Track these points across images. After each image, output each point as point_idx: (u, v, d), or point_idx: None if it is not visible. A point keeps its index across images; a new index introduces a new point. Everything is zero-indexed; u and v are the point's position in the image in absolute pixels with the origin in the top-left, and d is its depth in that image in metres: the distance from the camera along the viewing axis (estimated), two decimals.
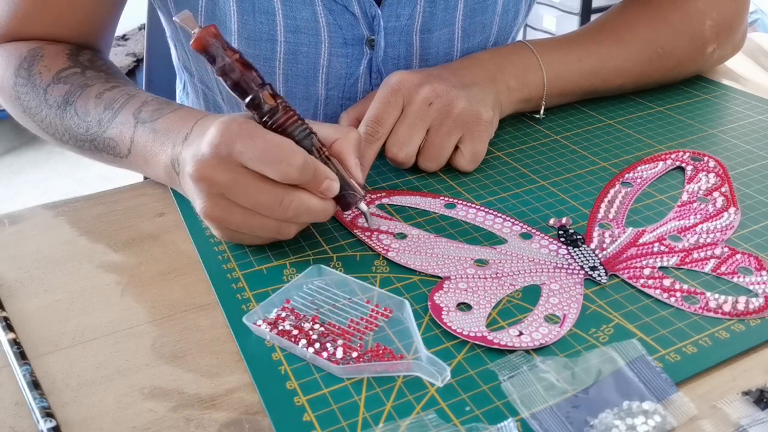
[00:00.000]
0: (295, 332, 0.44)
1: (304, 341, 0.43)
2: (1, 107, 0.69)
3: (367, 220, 0.53)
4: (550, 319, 0.46)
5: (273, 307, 0.47)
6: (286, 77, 0.70)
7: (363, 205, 0.52)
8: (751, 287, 0.48)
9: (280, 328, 0.45)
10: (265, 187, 0.48)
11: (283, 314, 0.46)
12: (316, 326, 0.45)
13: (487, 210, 0.57)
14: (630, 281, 0.49)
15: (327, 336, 0.44)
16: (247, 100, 0.49)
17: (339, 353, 0.43)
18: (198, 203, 0.49)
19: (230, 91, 0.50)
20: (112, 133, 0.58)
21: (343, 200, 0.52)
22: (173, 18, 0.50)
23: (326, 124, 0.53)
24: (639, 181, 0.61)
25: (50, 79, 0.63)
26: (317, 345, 0.43)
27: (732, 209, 0.56)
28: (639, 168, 0.63)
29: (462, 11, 0.71)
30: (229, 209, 0.49)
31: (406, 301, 0.46)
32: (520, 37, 0.76)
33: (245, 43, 0.67)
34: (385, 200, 0.59)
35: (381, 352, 0.43)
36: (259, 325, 0.45)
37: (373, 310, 0.47)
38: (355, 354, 0.43)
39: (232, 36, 0.67)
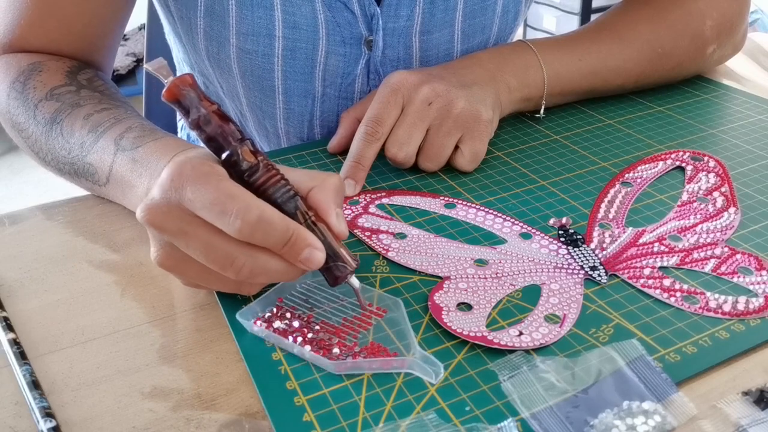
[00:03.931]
0: (291, 330, 0.44)
1: (300, 339, 0.43)
2: None
3: (359, 299, 0.46)
4: (550, 319, 0.46)
5: (267, 305, 0.47)
6: (285, 74, 0.70)
7: (354, 280, 0.45)
8: (751, 287, 0.48)
9: (276, 326, 0.45)
10: (215, 243, 0.42)
11: (278, 312, 0.46)
12: (311, 324, 0.45)
13: (487, 210, 0.57)
14: (630, 281, 0.49)
15: (322, 334, 0.44)
16: (224, 156, 0.44)
17: (335, 351, 0.43)
18: (151, 250, 0.45)
19: (205, 146, 0.45)
20: (91, 159, 0.56)
21: (330, 273, 0.45)
22: (144, 66, 0.47)
23: (302, 170, 0.47)
24: (639, 181, 0.61)
25: (43, 95, 0.61)
26: (313, 343, 0.43)
27: (732, 209, 0.56)
28: (639, 168, 0.63)
29: (462, 12, 0.71)
30: (181, 260, 0.44)
31: (400, 300, 0.46)
32: (519, 37, 0.76)
33: (243, 39, 0.67)
34: (385, 200, 0.59)
35: (375, 350, 0.43)
36: (255, 323, 0.45)
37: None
38: (350, 352, 0.43)
39: (231, 31, 0.67)
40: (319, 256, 0.43)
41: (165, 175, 0.43)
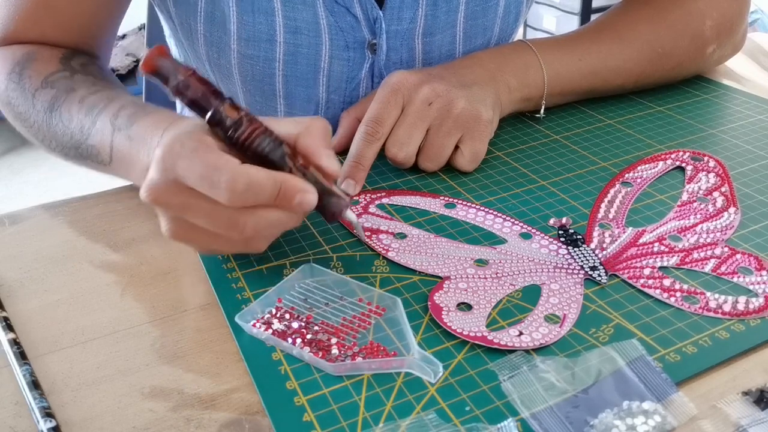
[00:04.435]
0: (290, 332, 0.44)
1: (299, 341, 0.43)
2: None
3: (356, 230, 0.51)
4: (550, 319, 0.46)
5: (266, 306, 0.47)
6: (286, 79, 0.70)
7: (350, 214, 0.48)
8: (751, 287, 0.48)
9: (275, 327, 0.45)
10: (216, 211, 0.44)
11: (277, 314, 0.46)
12: (310, 325, 0.45)
13: (487, 210, 0.57)
14: (630, 281, 0.49)
15: (321, 335, 0.44)
16: (208, 116, 0.46)
17: (333, 352, 0.43)
18: (161, 225, 0.47)
19: (189, 109, 0.47)
20: (93, 141, 0.57)
21: (326, 210, 0.47)
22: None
23: (286, 119, 0.49)
24: (639, 181, 0.61)
25: (39, 84, 0.62)
26: (312, 344, 0.43)
27: (732, 209, 0.56)
28: (639, 168, 0.63)
29: (463, 14, 0.71)
30: (190, 230, 0.46)
31: (398, 299, 0.46)
32: (519, 37, 0.76)
33: (244, 44, 0.67)
34: (385, 200, 0.59)
35: (374, 349, 0.43)
36: (254, 326, 0.45)
37: (365, 308, 0.47)
38: (349, 352, 0.43)
39: (231, 36, 0.67)
40: (311, 197, 0.44)
41: (158, 154, 0.44)
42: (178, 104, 0.94)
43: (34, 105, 0.61)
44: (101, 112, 0.57)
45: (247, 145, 0.45)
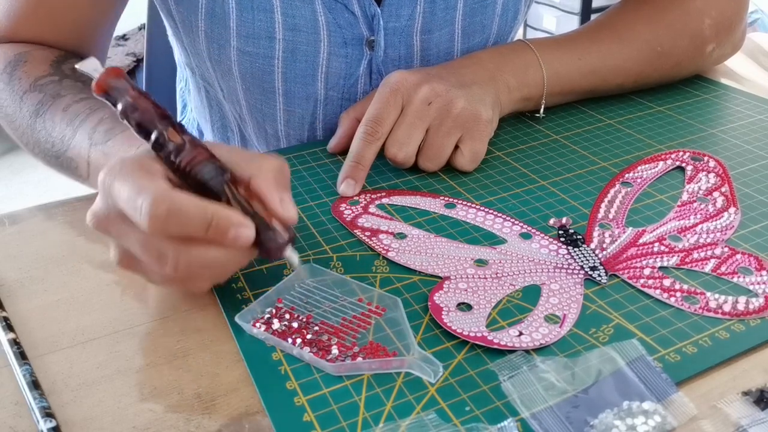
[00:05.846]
0: (290, 332, 0.44)
1: (299, 341, 0.43)
2: None
3: (295, 269, 0.46)
4: (550, 319, 0.46)
5: (266, 306, 0.47)
6: (285, 76, 0.70)
7: (289, 253, 0.44)
8: (751, 287, 0.48)
9: (275, 327, 0.45)
10: (146, 238, 0.41)
11: (277, 314, 0.46)
12: (310, 325, 0.45)
13: (487, 210, 0.57)
14: (630, 281, 0.49)
15: (321, 335, 0.44)
16: (152, 139, 0.43)
17: (334, 352, 0.43)
18: (110, 251, 0.45)
19: (137, 135, 0.44)
20: (72, 154, 0.57)
21: (263, 247, 0.44)
22: (75, 66, 0.47)
23: (241, 153, 0.46)
24: (639, 181, 0.61)
25: (27, 86, 0.62)
26: (312, 344, 0.43)
27: (732, 209, 0.56)
28: (639, 168, 0.63)
29: (461, 11, 0.71)
30: (134, 260, 0.43)
31: (398, 299, 0.46)
32: (519, 37, 0.76)
33: (244, 41, 0.67)
34: (385, 200, 0.59)
35: (374, 350, 0.43)
36: (254, 325, 0.45)
37: (365, 308, 0.47)
38: (349, 352, 0.43)
39: (231, 33, 0.67)
40: (246, 232, 0.41)
41: (101, 176, 0.42)
42: (178, 95, 0.94)
43: (21, 108, 0.61)
44: (81, 124, 0.56)
45: (187, 171, 0.43)
